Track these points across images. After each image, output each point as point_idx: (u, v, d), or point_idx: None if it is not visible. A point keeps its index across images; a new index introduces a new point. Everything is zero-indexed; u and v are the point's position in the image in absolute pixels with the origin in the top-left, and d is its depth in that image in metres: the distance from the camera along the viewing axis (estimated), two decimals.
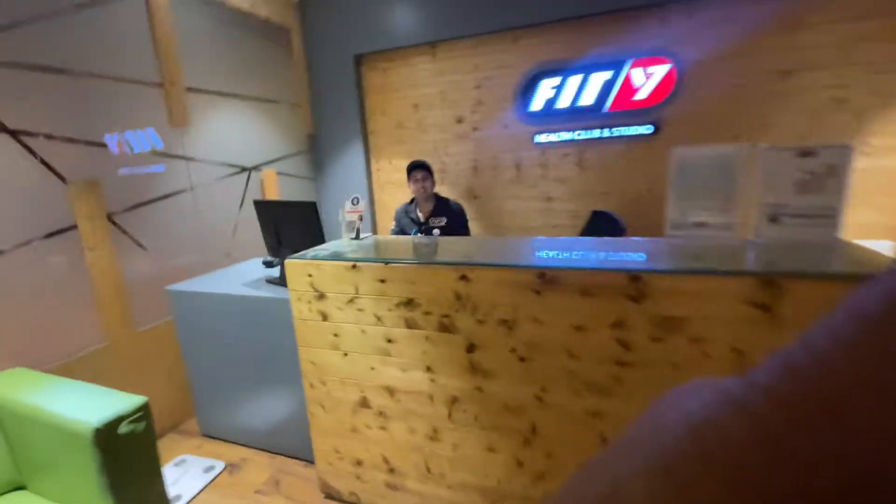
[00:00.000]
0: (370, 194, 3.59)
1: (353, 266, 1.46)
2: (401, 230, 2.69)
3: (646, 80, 2.71)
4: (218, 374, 2.14)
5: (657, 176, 2.82)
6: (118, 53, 2.13)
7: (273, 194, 3.11)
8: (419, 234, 2.54)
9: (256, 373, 2.03)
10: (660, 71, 2.68)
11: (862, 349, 0.12)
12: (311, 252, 1.62)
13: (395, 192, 3.55)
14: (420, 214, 2.65)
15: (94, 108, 2.03)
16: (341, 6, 3.25)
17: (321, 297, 1.54)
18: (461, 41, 3.08)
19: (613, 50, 2.75)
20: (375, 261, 1.44)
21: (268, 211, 2.10)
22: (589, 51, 2.80)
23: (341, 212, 1.80)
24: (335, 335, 1.56)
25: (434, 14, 3.02)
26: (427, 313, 1.39)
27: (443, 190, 3.24)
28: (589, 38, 2.79)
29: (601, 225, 2.61)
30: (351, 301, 1.50)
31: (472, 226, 2.97)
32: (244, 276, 2.25)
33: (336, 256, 1.53)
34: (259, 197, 3.02)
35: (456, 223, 2.63)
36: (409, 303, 1.41)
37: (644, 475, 0.15)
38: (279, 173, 3.21)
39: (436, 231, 2.60)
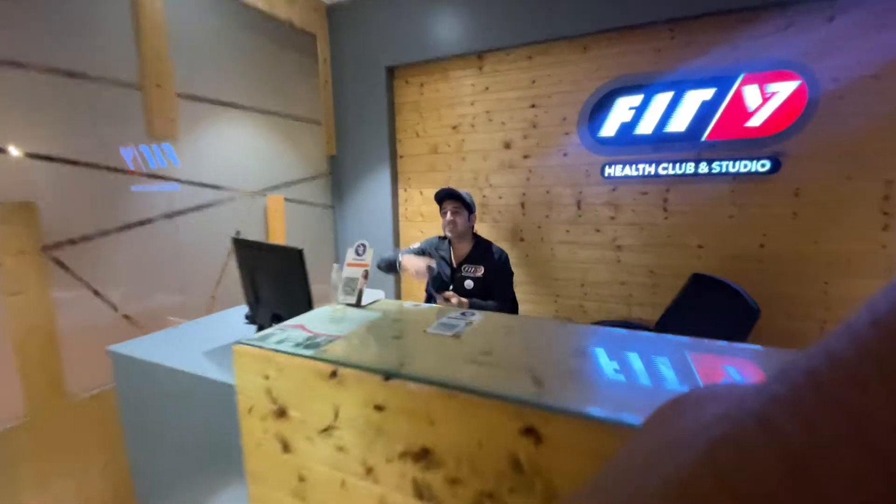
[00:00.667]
0: (395, 227, 3.03)
1: (333, 373, 0.85)
2: (422, 253, 2.11)
3: (763, 101, 2.04)
4: (164, 464, 1.55)
5: (774, 229, 2.10)
6: (87, 44, 1.68)
7: (278, 226, 2.59)
8: (445, 292, 1.92)
9: (210, 469, 1.42)
10: (784, 90, 2.00)
11: (887, 361, 0.11)
12: (274, 335, 1.01)
13: (425, 226, 2.97)
14: (453, 257, 2.04)
15: (52, 110, 1.57)
16: (373, 11, 2.79)
17: (282, 414, 0.93)
18: (515, 50, 2.53)
19: (718, 61, 2.10)
20: (369, 369, 0.82)
21: (247, 253, 1.54)
22: (683, 62, 2.16)
23: (335, 270, 1.22)
24: (300, 479, 0.94)
25: (482, 18, 2.49)
26: (454, 482, 0.75)
27: (482, 229, 2.62)
28: (684, 46, 2.16)
29: (711, 298, 1.88)
30: (327, 431, 0.88)
31: (515, 274, 2.33)
32: (217, 333, 1.68)
33: (310, 347, 0.93)
34: (262, 229, 2.51)
35: (496, 276, 2.01)
36: (422, 455, 0.78)
37: (659, 497, 0.14)
38: (290, 200, 2.71)
39: (468, 283, 1.97)
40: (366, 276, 1.25)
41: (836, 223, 1.99)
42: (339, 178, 3.10)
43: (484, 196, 2.74)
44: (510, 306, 2.06)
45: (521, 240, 2.68)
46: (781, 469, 0.12)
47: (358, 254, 1.26)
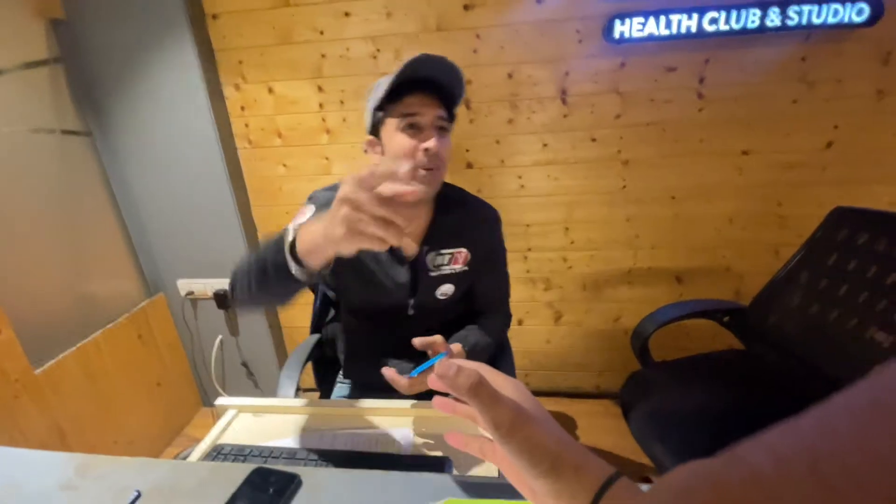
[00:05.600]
0: (230, 170, 1.65)
1: None
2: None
3: None
4: None
5: (850, 116, 1.39)
6: None
7: None
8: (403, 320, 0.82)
9: None
10: None
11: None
12: None
13: (300, 161, 1.66)
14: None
15: None
16: None
17: None
18: None
19: None
20: None
21: None
22: None
23: None
24: None
25: None
26: None
27: None
28: None
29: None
30: None
31: None
32: None
33: None
34: None
35: (489, 264, 0.98)
36: None
37: None
38: None
39: (443, 289, 0.91)
40: None
41: None
42: (86, 68, 1.51)
43: None
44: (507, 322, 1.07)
45: (469, 166, 1.59)
46: None
47: None
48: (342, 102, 1.55)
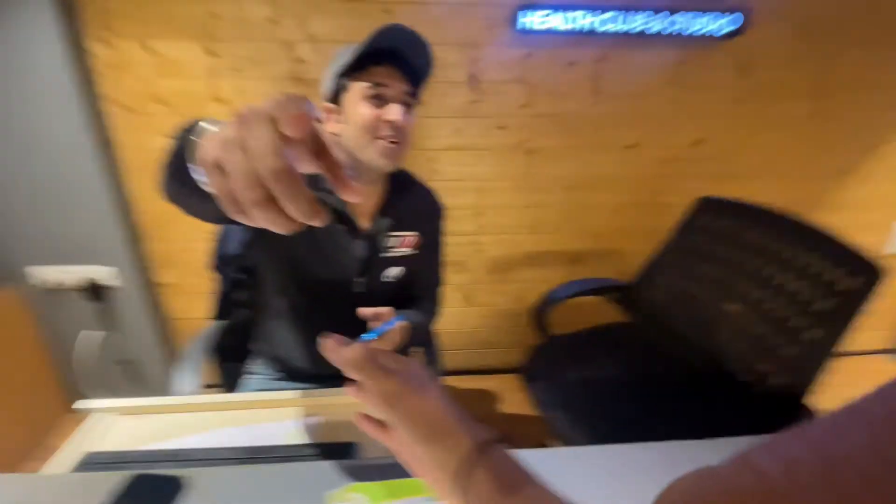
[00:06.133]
0: (98, 138, 1.42)
1: None
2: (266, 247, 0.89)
3: None
4: None
5: (715, 117, 1.61)
6: None
7: None
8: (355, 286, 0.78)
9: None
10: None
11: None
12: None
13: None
14: (352, 210, 0.86)
15: None
16: None
17: None
18: None
19: None
20: None
21: None
22: None
23: None
24: None
25: None
26: None
27: None
28: None
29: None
30: None
31: None
32: None
33: None
34: None
35: (433, 249, 1.03)
36: None
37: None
38: None
39: (391, 272, 0.93)
40: None
41: (773, 111, 1.62)
42: None
43: (301, 64, 1.42)
44: (439, 311, 1.09)
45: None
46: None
47: None
48: (238, 70, 1.40)
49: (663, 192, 1.71)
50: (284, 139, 0.29)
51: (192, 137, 0.38)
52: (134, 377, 1.71)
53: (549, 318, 1.31)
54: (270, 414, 0.72)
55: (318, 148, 0.33)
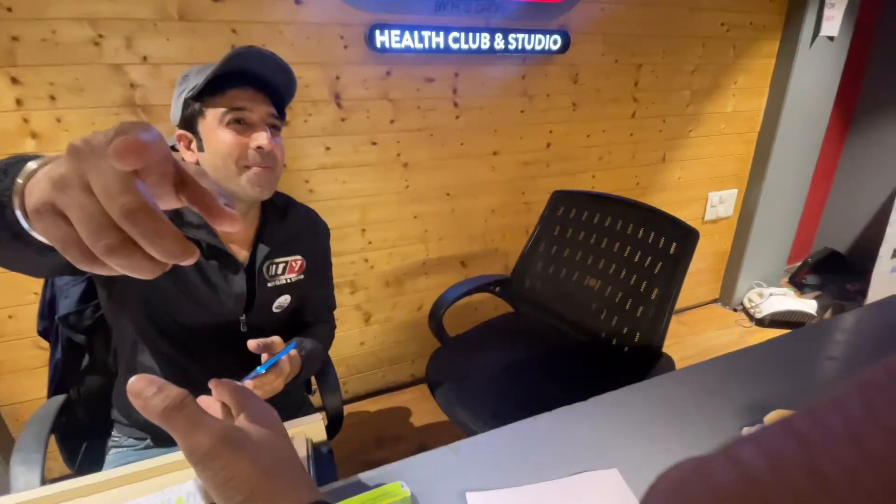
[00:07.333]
0: None
1: None
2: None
3: None
4: None
5: (558, 123, 1.84)
6: None
7: None
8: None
9: None
10: None
11: None
12: None
13: None
14: (224, 241, 0.79)
15: None
16: None
17: None
18: None
19: None
20: None
21: None
22: None
23: None
24: None
25: None
26: None
27: None
28: None
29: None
30: None
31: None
32: None
33: None
34: None
35: (321, 272, 1.01)
36: None
37: None
38: None
39: (280, 301, 0.88)
40: None
41: (603, 114, 1.91)
42: None
43: (136, 88, 1.26)
44: (333, 333, 1.06)
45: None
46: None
47: None
48: (53, 98, 1.20)
49: (527, 192, 1.89)
50: (134, 172, 0.25)
51: (11, 178, 0.31)
52: None
53: (447, 322, 1.35)
54: (144, 487, 0.62)
55: (177, 179, 0.29)
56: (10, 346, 1.33)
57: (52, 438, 0.84)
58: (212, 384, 0.36)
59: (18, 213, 0.31)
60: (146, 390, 0.27)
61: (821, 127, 2.30)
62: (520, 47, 1.61)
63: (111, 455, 0.85)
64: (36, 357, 1.34)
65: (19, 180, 0.30)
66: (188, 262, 0.27)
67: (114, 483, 0.61)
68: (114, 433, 0.88)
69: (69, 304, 0.86)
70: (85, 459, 0.90)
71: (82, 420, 0.89)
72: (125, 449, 0.85)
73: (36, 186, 0.28)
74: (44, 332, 0.90)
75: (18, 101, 1.18)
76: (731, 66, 2.09)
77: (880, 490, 0.11)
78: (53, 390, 0.90)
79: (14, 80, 1.17)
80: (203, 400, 0.34)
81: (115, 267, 0.26)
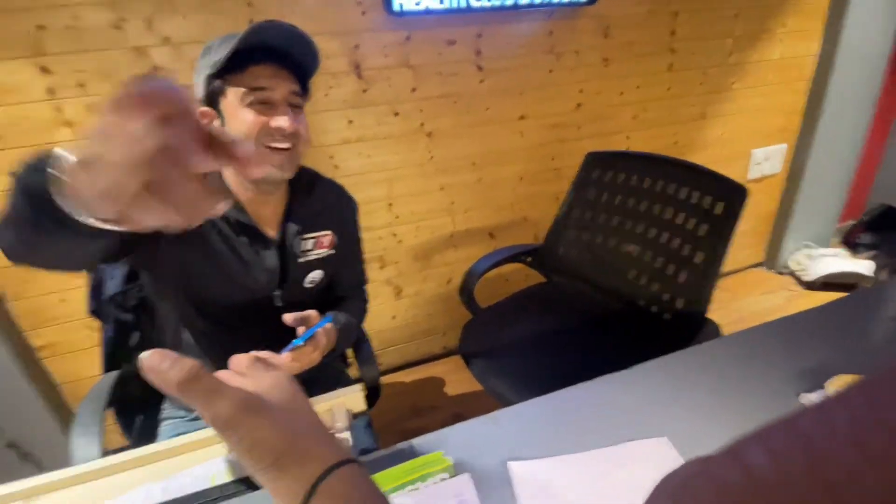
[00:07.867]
0: None
1: None
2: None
3: None
4: None
5: (588, 82, 1.74)
6: None
7: None
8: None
9: None
10: None
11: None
12: None
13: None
14: (256, 218, 0.80)
15: None
16: None
17: None
18: None
19: None
20: None
21: None
22: None
23: None
24: None
25: None
26: None
27: None
28: None
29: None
30: None
31: None
32: None
33: None
34: None
35: (351, 246, 0.99)
36: None
37: None
38: None
39: (312, 276, 0.88)
40: None
41: (637, 69, 1.79)
42: None
43: (160, 71, 1.27)
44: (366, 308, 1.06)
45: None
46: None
47: None
48: (82, 86, 1.22)
49: (557, 157, 1.81)
50: (165, 120, 0.26)
51: (48, 170, 0.30)
52: (27, 458, 1.45)
53: (477, 294, 1.33)
54: (194, 457, 0.64)
55: (203, 135, 0.29)
56: (64, 328, 1.40)
57: (111, 412, 0.89)
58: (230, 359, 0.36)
59: (59, 202, 0.31)
60: (161, 364, 0.27)
61: (879, 71, 2.08)
62: (545, 0, 1.51)
63: (164, 426, 0.90)
64: (88, 338, 1.42)
65: (53, 171, 0.30)
66: (219, 208, 0.29)
67: (164, 454, 0.64)
68: (165, 405, 0.92)
69: (115, 284, 0.89)
70: (140, 431, 0.95)
71: (136, 394, 0.94)
72: (176, 420, 0.89)
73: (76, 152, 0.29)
74: (95, 312, 0.94)
75: (50, 91, 1.20)
76: (778, 7, 1.91)
77: (881, 491, 0.11)
78: (107, 367, 0.94)
79: (44, 70, 1.19)
80: (221, 374, 0.33)
81: (145, 217, 0.28)
